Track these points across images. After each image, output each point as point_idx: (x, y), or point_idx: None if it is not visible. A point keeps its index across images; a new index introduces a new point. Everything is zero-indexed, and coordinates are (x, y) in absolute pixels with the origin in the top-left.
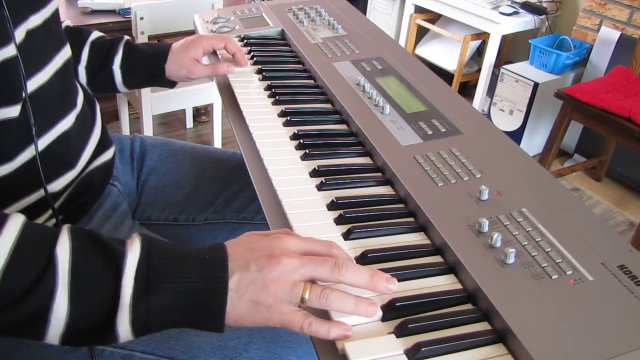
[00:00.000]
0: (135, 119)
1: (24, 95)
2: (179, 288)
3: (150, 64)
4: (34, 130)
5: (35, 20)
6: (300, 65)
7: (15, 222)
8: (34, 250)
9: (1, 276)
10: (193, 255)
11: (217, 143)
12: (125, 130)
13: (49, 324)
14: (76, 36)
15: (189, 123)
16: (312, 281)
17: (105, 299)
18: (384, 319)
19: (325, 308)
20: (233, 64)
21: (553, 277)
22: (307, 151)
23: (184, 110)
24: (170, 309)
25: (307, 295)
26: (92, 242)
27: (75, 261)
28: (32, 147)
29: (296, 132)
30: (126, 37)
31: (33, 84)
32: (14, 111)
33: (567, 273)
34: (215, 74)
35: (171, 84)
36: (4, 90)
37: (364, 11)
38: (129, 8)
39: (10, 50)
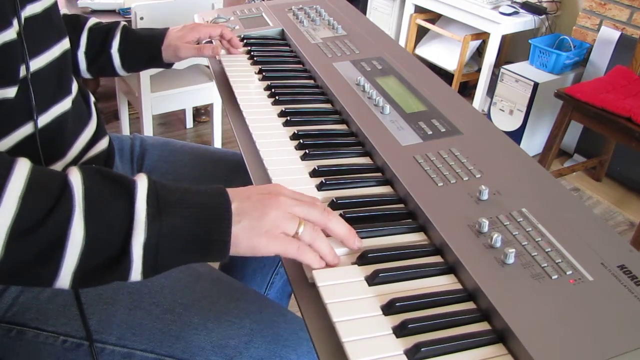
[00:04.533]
0: (135, 119)
1: (20, 76)
2: (185, 213)
3: (148, 47)
4: (34, 109)
5: (34, 8)
6: (300, 65)
7: (26, 160)
8: (48, 179)
9: (21, 202)
10: (193, 189)
11: (217, 143)
12: (125, 130)
13: (64, 254)
14: (74, 23)
15: (189, 123)
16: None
17: (120, 222)
18: (385, 314)
19: (312, 243)
20: (222, 48)
21: (553, 277)
22: (307, 151)
23: (184, 110)
24: (179, 232)
25: (301, 229)
26: (101, 173)
27: (88, 189)
28: (25, 127)
29: (296, 132)
30: (123, 23)
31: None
32: (10, 92)
33: (567, 273)
34: (200, 55)
35: (169, 65)
36: (1, 72)
37: (364, 11)
38: (129, 8)
39: (9, 34)
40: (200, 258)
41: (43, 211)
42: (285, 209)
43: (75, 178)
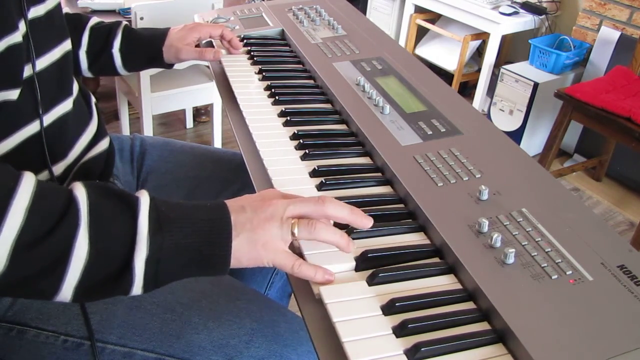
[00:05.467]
0: (135, 119)
1: (22, 79)
2: (187, 229)
3: (149, 47)
4: (40, 110)
5: (37, 11)
6: (300, 65)
7: (31, 174)
8: (53, 194)
9: (27, 214)
10: (193, 204)
11: (217, 143)
12: (125, 130)
13: (68, 268)
14: (75, 22)
15: (189, 123)
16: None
17: (123, 237)
18: (385, 314)
19: (313, 238)
20: (223, 49)
21: (553, 277)
22: (307, 151)
23: (184, 110)
24: (181, 247)
25: (296, 229)
26: (105, 189)
27: (93, 204)
28: (28, 128)
29: (296, 132)
30: (124, 22)
31: (30, 70)
32: (13, 94)
33: (567, 273)
34: (202, 58)
35: (169, 65)
36: (7, 75)
37: (364, 11)
38: (129, 8)
39: (15, 37)
40: (201, 272)
41: (49, 224)
42: (279, 214)
43: (80, 193)
